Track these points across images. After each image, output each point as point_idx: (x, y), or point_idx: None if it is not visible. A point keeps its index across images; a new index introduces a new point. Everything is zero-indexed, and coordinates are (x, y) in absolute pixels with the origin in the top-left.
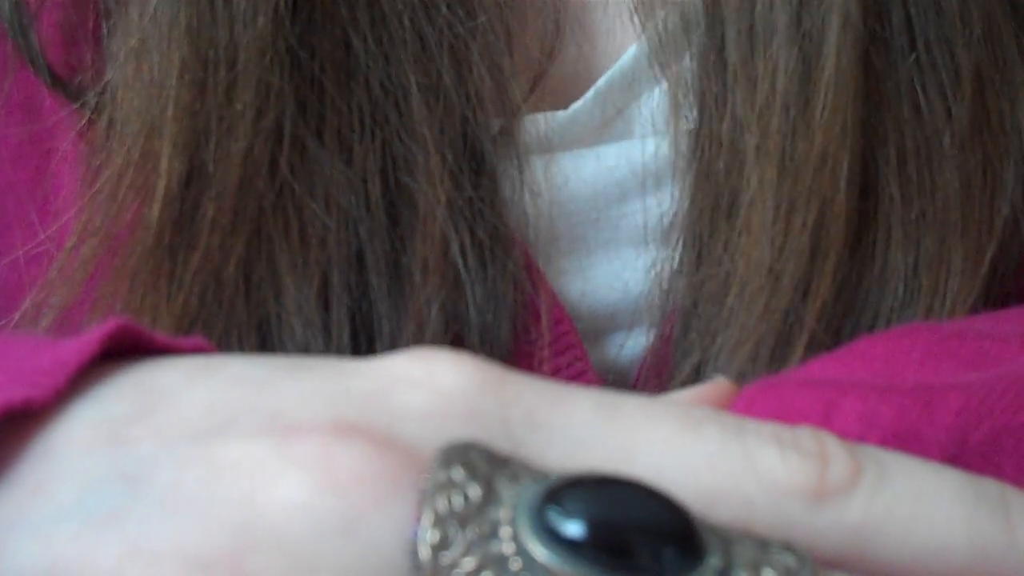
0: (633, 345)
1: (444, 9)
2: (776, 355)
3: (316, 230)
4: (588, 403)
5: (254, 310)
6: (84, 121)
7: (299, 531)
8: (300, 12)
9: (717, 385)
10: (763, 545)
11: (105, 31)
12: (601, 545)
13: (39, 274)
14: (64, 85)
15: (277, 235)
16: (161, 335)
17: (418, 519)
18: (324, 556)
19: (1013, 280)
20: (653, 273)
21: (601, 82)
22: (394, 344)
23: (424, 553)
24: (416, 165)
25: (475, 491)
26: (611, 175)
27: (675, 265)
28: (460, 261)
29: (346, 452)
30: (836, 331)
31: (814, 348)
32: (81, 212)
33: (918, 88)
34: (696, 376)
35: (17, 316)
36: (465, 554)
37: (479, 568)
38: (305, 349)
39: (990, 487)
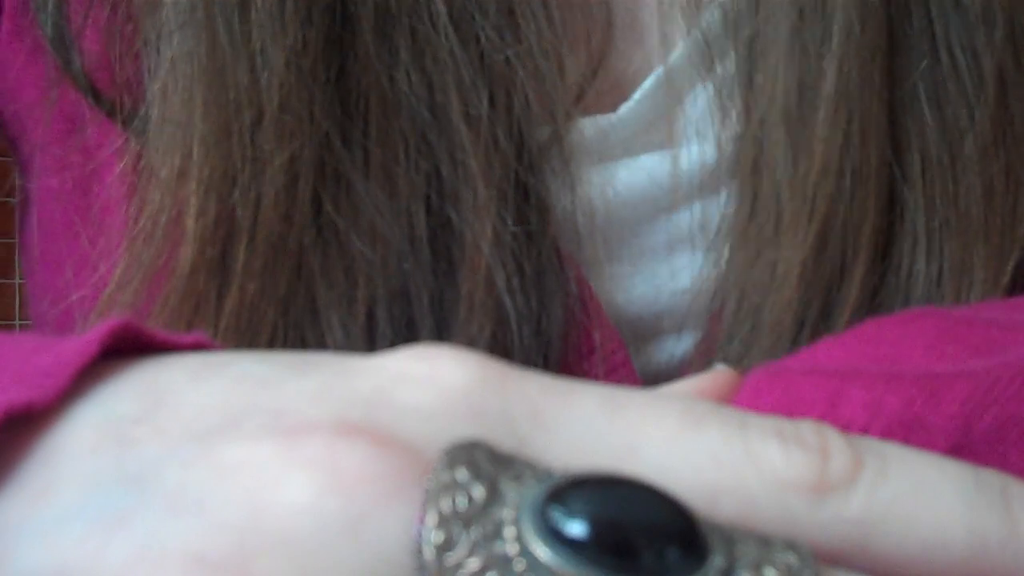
0: (679, 349)
1: (486, 37)
2: None
3: (361, 265)
4: (592, 399)
5: (296, 348)
6: (123, 140)
7: (304, 533)
8: (336, 48)
9: (721, 374)
10: (765, 544)
11: (146, 65)
12: (604, 545)
13: (84, 280)
14: (106, 102)
15: (319, 272)
16: (162, 332)
17: (422, 520)
18: (329, 557)
19: None
20: (699, 278)
21: (648, 83)
22: None
23: (428, 554)
24: (461, 197)
25: (479, 491)
26: (659, 182)
27: (721, 269)
28: (507, 297)
29: (350, 453)
30: None
31: None
32: (123, 255)
33: (941, 94)
34: None
35: None
36: (469, 555)
37: (484, 569)
38: None
39: (991, 479)
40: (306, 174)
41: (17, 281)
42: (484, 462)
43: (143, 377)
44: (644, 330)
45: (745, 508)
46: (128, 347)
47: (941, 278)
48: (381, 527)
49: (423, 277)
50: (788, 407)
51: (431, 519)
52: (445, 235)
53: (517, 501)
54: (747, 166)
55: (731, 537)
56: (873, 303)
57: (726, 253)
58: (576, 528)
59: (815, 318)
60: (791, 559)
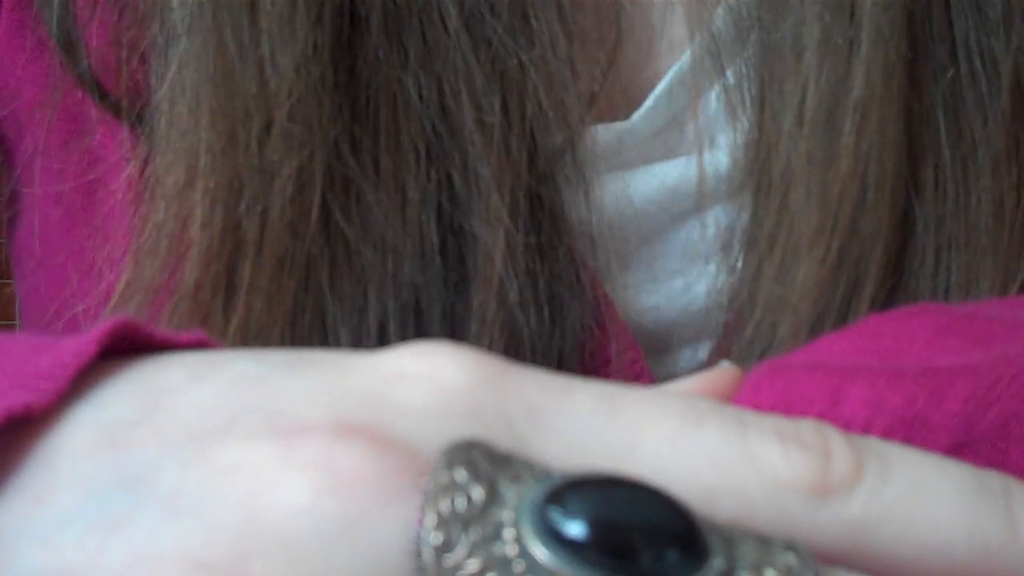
0: (693, 361)
1: (499, 40)
2: None
3: (372, 277)
4: (590, 396)
5: None
6: (130, 143)
7: (301, 534)
8: (345, 52)
9: (723, 371)
10: (765, 545)
11: (153, 69)
12: (603, 546)
13: (88, 289)
14: (113, 102)
15: (328, 284)
16: (161, 331)
17: (421, 521)
18: (327, 559)
19: None
20: (714, 288)
21: (660, 88)
22: None
23: (427, 555)
24: (473, 207)
25: (478, 492)
26: (673, 190)
27: (737, 279)
28: (519, 311)
29: (347, 453)
30: None
31: None
32: (126, 268)
33: (958, 103)
34: None
35: None
36: (469, 556)
37: (483, 570)
38: None
39: (993, 481)
40: (315, 183)
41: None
42: (483, 462)
43: (141, 378)
44: (659, 341)
45: (744, 509)
46: (127, 346)
47: (948, 294)
48: (379, 529)
49: (435, 289)
50: (788, 404)
51: (430, 520)
52: (457, 246)
53: (516, 502)
54: (764, 173)
55: (731, 538)
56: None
57: (742, 263)
58: (575, 529)
59: (829, 326)
60: (791, 560)
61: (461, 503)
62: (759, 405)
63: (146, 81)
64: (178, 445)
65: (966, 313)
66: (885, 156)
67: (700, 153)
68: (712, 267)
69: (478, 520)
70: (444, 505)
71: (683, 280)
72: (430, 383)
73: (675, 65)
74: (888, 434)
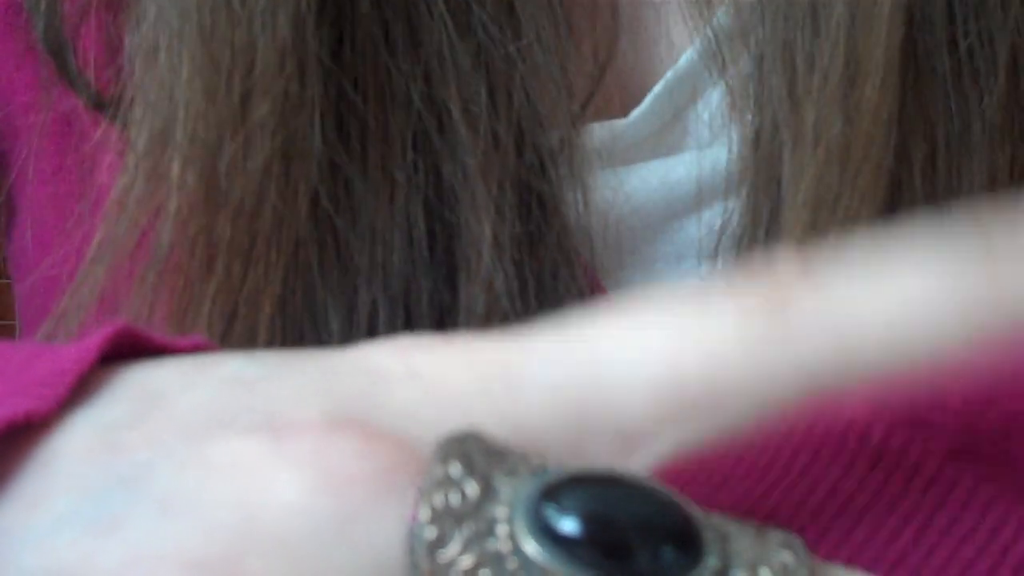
0: None
1: (484, 30)
2: None
3: (361, 264)
4: (554, 336)
5: (291, 347)
6: (122, 141)
7: (296, 532)
8: (330, 28)
9: None
10: (761, 541)
11: (130, 17)
12: (597, 543)
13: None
14: (103, 102)
15: (317, 270)
16: (159, 336)
17: (415, 517)
18: (323, 557)
19: None
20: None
21: (659, 87)
22: None
23: (421, 551)
24: (460, 197)
25: (472, 488)
26: (673, 188)
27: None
28: (506, 301)
29: (340, 449)
30: None
31: None
32: (98, 226)
33: (955, 79)
34: None
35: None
36: (463, 552)
37: (476, 566)
38: None
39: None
40: (302, 167)
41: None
42: (477, 456)
43: (136, 382)
44: None
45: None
46: (126, 351)
47: None
48: (373, 525)
49: (423, 279)
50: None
51: (424, 515)
52: (444, 236)
53: (511, 497)
54: (763, 171)
55: (726, 534)
56: None
57: (740, 261)
58: (568, 525)
59: None
60: (787, 558)
61: (455, 498)
62: None
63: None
64: (173, 446)
65: None
66: (883, 137)
67: (693, 152)
68: (710, 265)
69: (472, 516)
70: (438, 500)
71: (681, 278)
72: (413, 375)
73: (676, 63)
74: (889, 433)
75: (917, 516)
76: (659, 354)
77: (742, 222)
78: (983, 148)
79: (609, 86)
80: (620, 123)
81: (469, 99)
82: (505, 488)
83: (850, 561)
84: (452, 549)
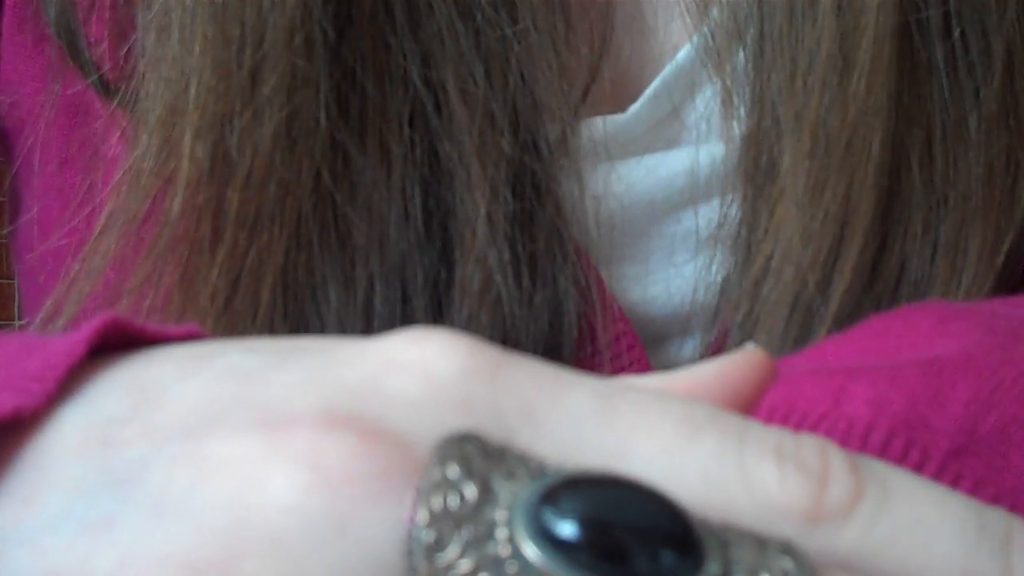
0: (691, 349)
1: (482, 12)
2: (798, 346)
3: (359, 240)
4: (586, 395)
5: (292, 318)
6: (129, 116)
7: (290, 533)
8: (336, 5)
9: (750, 355)
10: (761, 548)
11: (140, 13)
12: (596, 547)
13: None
14: (113, 88)
15: (317, 243)
16: (152, 326)
17: (413, 519)
18: (317, 558)
19: None
20: (709, 279)
21: (656, 82)
22: None
23: (419, 554)
24: (456, 176)
25: (471, 490)
26: (669, 183)
27: (729, 269)
28: (499, 277)
29: (336, 447)
30: (854, 320)
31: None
32: (107, 203)
33: (950, 70)
34: None
35: (41, 315)
36: (461, 556)
37: (475, 570)
38: None
39: (995, 523)
40: (307, 140)
41: (17, 281)
42: (476, 457)
43: (130, 374)
44: (653, 331)
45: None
46: (118, 342)
47: (935, 256)
48: (369, 526)
49: (418, 256)
50: (792, 404)
51: (422, 518)
52: (440, 214)
53: (510, 501)
54: (759, 166)
55: (726, 540)
56: (869, 281)
57: (736, 254)
58: (567, 529)
59: (811, 295)
60: (787, 564)
61: (454, 501)
62: (763, 406)
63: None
64: (166, 442)
65: (968, 307)
66: (879, 127)
67: (690, 146)
68: (706, 258)
69: (471, 519)
70: (436, 503)
71: (677, 272)
72: (422, 372)
73: (673, 59)
74: (890, 435)
75: None
76: (693, 479)
77: (738, 216)
78: (979, 140)
79: (607, 81)
80: (618, 118)
81: (465, 79)
82: (504, 491)
83: None
84: (451, 552)
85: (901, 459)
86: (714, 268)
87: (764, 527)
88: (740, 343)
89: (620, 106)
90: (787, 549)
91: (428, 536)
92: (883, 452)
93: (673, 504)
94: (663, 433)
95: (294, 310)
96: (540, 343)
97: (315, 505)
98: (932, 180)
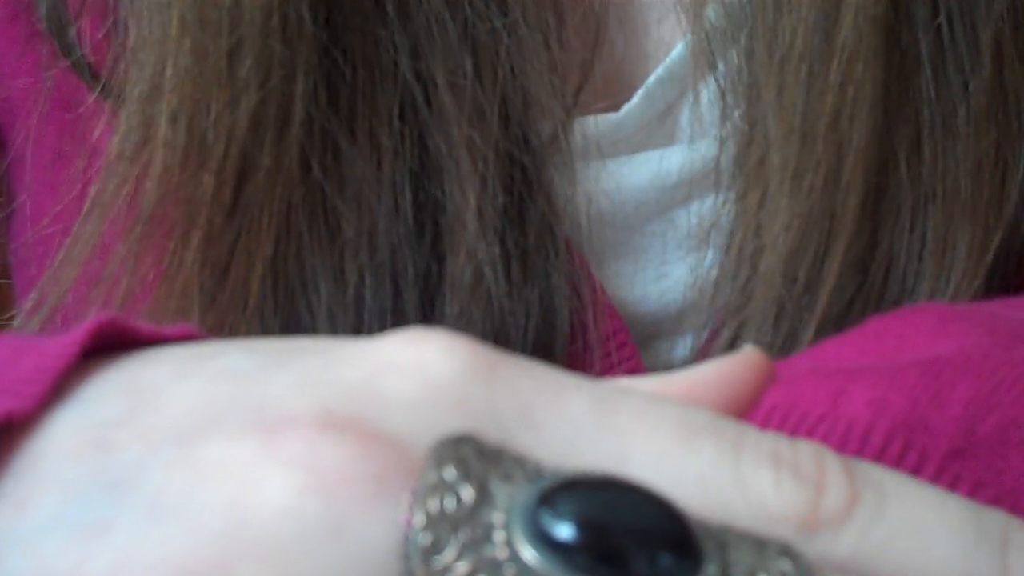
0: (681, 351)
1: (471, 5)
2: (787, 343)
3: (349, 232)
4: (584, 399)
5: (282, 312)
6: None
7: (286, 536)
8: None
9: (748, 356)
10: (760, 548)
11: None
12: (593, 549)
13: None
14: (102, 79)
15: (307, 235)
16: (148, 326)
17: (410, 521)
18: (312, 561)
19: (1015, 276)
20: (702, 276)
21: (651, 81)
22: None
23: (416, 557)
24: (446, 169)
25: (468, 493)
26: (662, 181)
27: (721, 267)
28: (491, 273)
29: (332, 450)
30: (843, 318)
31: (821, 333)
32: (93, 186)
33: (938, 63)
34: None
35: (27, 303)
36: (458, 558)
37: (472, 572)
38: None
39: (992, 525)
40: (290, 129)
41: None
42: (473, 459)
43: (125, 376)
44: (645, 329)
45: None
46: (114, 342)
47: (923, 252)
48: (365, 529)
49: (408, 249)
50: (791, 406)
51: (418, 521)
52: (430, 207)
53: (507, 503)
54: (753, 164)
55: (724, 541)
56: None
57: (727, 252)
58: (564, 531)
59: (799, 292)
60: (786, 566)
61: (450, 503)
62: (762, 406)
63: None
64: (161, 445)
65: (968, 308)
66: (864, 117)
67: (683, 144)
68: (699, 256)
69: (468, 521)
70: (433, 505)
71: (670, 270)
72: (418, 373)
73: (666, 58)
74: (889, 436)
75: None
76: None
77: (730, 214)
78: (968, 135)
79: (600, 80)
80: (612, 117)
81: (454, 72)
82: (501, 493)
83: None
84: (448, 555)
85: (900, 460)
86: (706, 266)
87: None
88: (731, 340)
89: (613, 104)
90: (785, 551)
91: (424, 539)
92: (882, 453)
93: (671, 506)
94: (660, 438)
95: (285, 303)
96: (532, 339)
97: (311, 507)
98: (920, 175)
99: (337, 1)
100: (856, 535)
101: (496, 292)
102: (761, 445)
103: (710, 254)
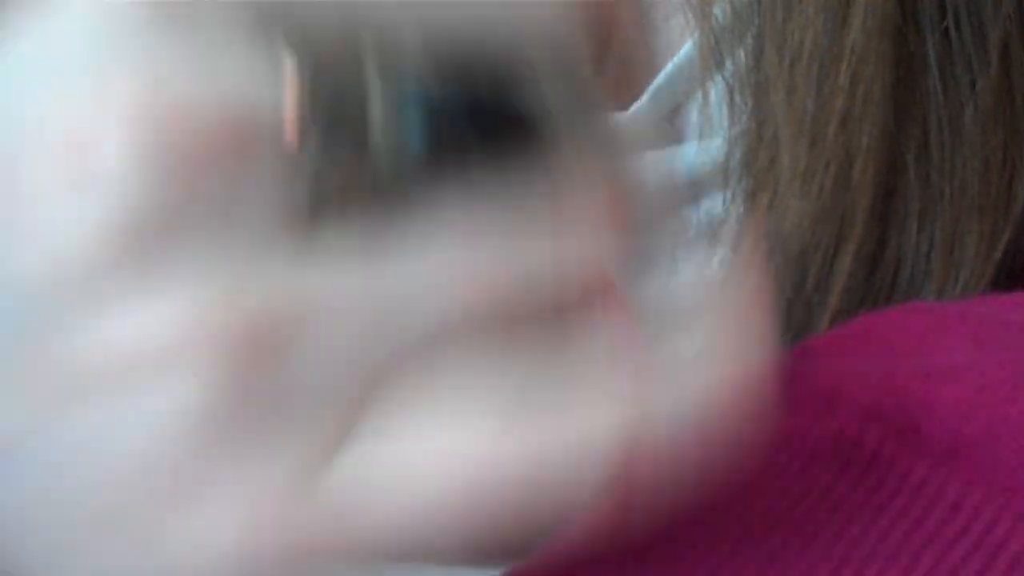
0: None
1: None
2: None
3: None
4: None
5: None
6: None
7: None
8: None
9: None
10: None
11: None
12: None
13: None
14: None
15: None
16: None
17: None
18: None
19: (1022, 275)
20: (709, 273)
21: (659, 80)
22: None
23: None
24: None
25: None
26: (671, 179)
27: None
28: None
29: None
30: (853, 315)
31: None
32: None
33: (945, 64)
34: None
35: None
36: None
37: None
38: None
39: None
40: None
41: None
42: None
43: None
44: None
45: None
46: None
47: (931, 252)
48: None
49: None
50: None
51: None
52: None
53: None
54: (761, 163)
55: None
56: (867, 277)
57: (737, 250)
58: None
59: (810, 292)
60: None
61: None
62: None
63: None
64: None
65: (958, 312)
66: (873, 118)
67: (699, 143)
68: (708, 255)
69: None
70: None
71: (679, 267)
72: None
73: (675, 56)
74: (881, 442)
75: (906, 519)
76: None
77: (740, 212)
78: (975, 134)
79: (608, 81)
80: (620, 117)
81: None
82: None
83: (840, 565)
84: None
85: (891, 461)
86: (716, 264)
87: None
88: None
89: (621, 103)
90: None
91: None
92: (874, 455)
93: None
94: None
95: None
96: None
97: None
98: (928, 175)
99: None
100: None
101: None
102: None
103: (720, 251)
